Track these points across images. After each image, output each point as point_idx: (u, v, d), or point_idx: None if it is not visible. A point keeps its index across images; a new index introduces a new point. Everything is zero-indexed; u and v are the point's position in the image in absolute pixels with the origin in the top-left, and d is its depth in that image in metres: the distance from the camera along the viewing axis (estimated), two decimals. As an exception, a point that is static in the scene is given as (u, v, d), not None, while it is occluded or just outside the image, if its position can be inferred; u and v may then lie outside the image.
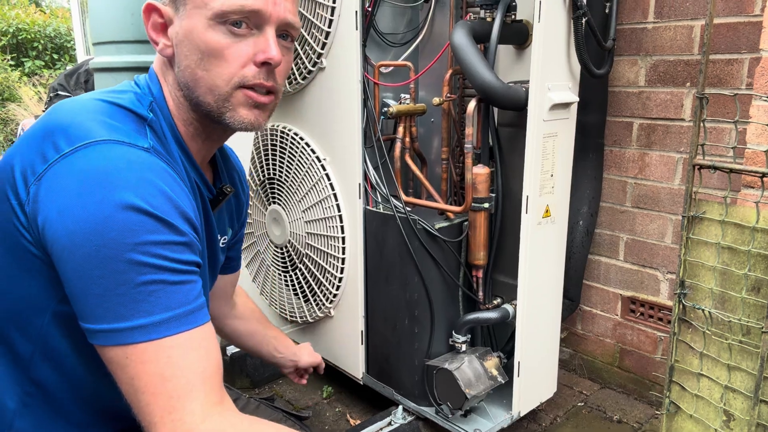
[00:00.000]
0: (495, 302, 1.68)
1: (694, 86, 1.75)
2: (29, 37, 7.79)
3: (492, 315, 1.62)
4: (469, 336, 1.67)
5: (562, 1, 1.41)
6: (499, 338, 1.79)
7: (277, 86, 0.83)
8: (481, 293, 1.65)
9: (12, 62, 7.58)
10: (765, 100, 1.27)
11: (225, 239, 1.07)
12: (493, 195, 1.57)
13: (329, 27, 1.64)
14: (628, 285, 2.01)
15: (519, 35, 1.56)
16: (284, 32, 0.83)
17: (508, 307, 1.64)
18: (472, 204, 1.53)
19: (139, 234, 0.68)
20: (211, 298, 1.16)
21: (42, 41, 7.89)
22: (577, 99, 1.52)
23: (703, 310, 1.33)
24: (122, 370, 0.70)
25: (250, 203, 2.09)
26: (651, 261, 1.94)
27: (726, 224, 1.27)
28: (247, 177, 2.08)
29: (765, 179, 1.20)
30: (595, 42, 1.53)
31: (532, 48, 1.40)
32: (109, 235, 0.67)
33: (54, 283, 0.74)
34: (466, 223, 1.62)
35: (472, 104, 1.46)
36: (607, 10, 1.69)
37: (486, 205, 1.54)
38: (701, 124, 1.26)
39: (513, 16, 1.54)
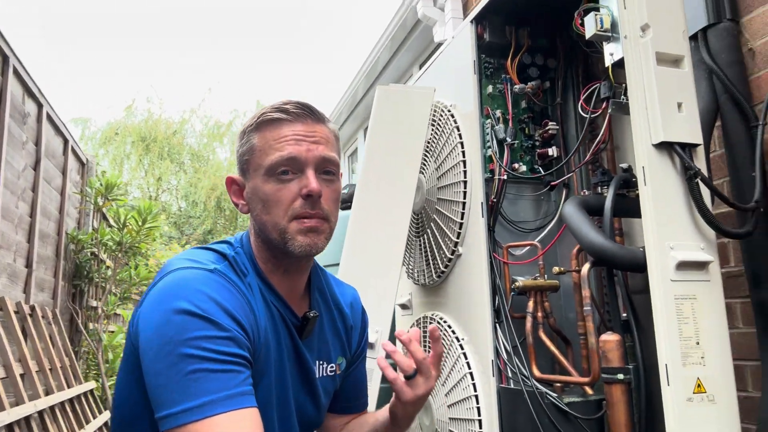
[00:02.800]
0: (657, 507, 1.38)
1: None
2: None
3: None
4: None
5: (671, 163, 1.43)
6: None
7: (324, 212, 1.00)
8: (635, 492, 1.39)
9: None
10: None
11: (332, 367, 1.15)
12: (630, 367, 1.43)
13: (462, 219, 1.85)
14: None
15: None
16: (324, 169, 1.01)
17: None
18: (603, 375, 1.41)
19: (188, 331, 0.85)
20: None
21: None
22: (713, 259, 1.41)
23: None
24: None
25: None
26: None
27: None
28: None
29: None
30: (724, 202, 1.46)
31: (642, 209, 1.40)
32: (168, 335, 0.85)
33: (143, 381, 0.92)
34: (605, 400, 1.46)
35: (585, 267, 1.46)
36: (753, 174, 1.62)
37: (620, 376, 1.40)
38: None
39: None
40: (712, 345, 1.38)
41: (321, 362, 1.13)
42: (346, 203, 2.28)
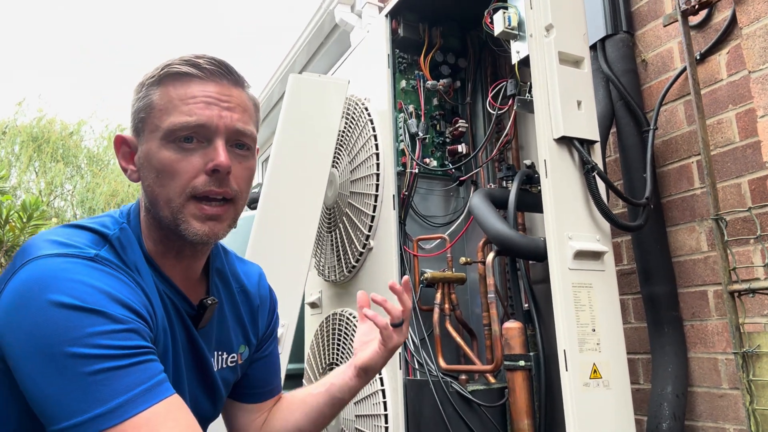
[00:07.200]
0: (554, 491, 1.41)
1: (759, 242, 1.61)
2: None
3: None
4: None
5: (570, 158, 1.50)
6: None
7: (232, 192, 0.86)
8: (534, 477, 1.42)
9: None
10: (786, 211, 1.16)
11: (233, 357, 1.05)
12: (532, 354, 1.46)
13: (374, 212, 1.84)
14: (752, 493, 1.58)
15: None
16: (237, 141, 0.87)
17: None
18: (505, 362, 1.43)
19: (75, 329, 0.71)
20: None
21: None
22: (608, 250, 1.48)
23: (796, 477, 1.03)
24: None
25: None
26: (771, 456, 1.55)
27: (790, 357, 1.06)
28: (310, 365, 2.13)
29: (812, 293, 1.03)
30: (618, 196, 1.54)
31: (543, 200, 1.45)
32: (49, 336, 0.71)
33: (15, 393, 0.77)
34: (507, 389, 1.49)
35: (490, 256, 1.48)
36: (645, 174, 1.73)
37: (522, 363, 1.43)
38: (724, 248, 1.16)
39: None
40: (606, 332, 1.44)
41: (220, 353, 1.03)
42: (254, 203, 2.19)
